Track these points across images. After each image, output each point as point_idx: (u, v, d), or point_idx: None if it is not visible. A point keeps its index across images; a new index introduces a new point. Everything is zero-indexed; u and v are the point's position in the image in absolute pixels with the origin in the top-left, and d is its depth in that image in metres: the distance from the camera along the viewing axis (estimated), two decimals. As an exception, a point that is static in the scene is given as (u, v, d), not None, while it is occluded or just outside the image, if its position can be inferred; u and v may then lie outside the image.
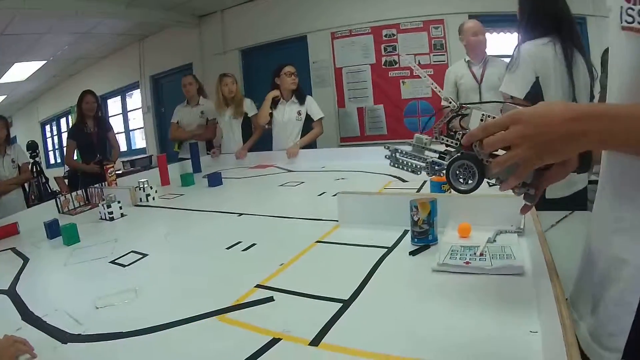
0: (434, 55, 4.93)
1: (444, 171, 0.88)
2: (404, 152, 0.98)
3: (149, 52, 7.31)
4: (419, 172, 0.97)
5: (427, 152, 0.95)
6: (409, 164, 0.98)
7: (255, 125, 3.96)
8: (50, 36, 5.95)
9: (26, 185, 4.55)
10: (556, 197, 2.15)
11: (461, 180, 0.85)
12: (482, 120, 0.81)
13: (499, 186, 0.81)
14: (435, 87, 0.92)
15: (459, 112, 0.87)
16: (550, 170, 0.81)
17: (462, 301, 1.04)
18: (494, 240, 1.33)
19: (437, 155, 0.93)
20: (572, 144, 0.68)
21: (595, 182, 2.60)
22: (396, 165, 1.00)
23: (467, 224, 1.41)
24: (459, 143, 0.85)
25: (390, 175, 2.48)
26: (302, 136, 3.75)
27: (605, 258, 0.79)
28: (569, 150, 0.71)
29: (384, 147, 1.01)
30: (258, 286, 1.22)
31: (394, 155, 0.99)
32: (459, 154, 0.85)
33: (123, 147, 7.39)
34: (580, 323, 0.85)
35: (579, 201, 2.26)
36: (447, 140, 0.87)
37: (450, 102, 0.87)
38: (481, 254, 1.23)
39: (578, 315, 0.87)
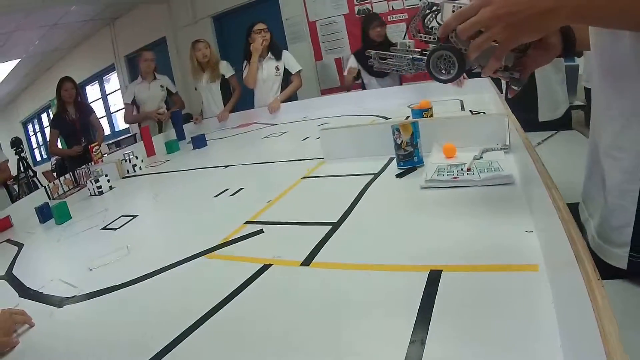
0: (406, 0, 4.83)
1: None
2: (386, 54, 0.99)
3: (120, 33, 7.18)
4: (401, 69, 0.97)
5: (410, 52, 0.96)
6: (392, 63, 0.98)
7: (234, 86, 3.89)
8: (20, 33, 5.79)
9: (16, 186, 4.47)
10: (547, 119, 2.17)
11: (443, 71, 0.85)
12: (453, 11, 0.80)
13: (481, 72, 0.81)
14: None
15: (432, 9, 0.86)
16: (532, 53, 0.80)
17: (454, 211, 1.04)
18: (481, 157, 1.32)
19: (419, 52, 0.93)
20: (546, 20, 0.65)
21: (578, 107, 2.65)
22: (380, 67, 1.00)
23: (451, 144, 1.40)
24: (436, 37, 0.85)
25: (372, 115, 2.45)
26: (282, 91, 3.71)
27: (603, 151, 0.78)
28: (545, 27, 0.69)
29: (366, 53, 1.03)
30: (247, 222, 1.21)
31: (377, 57, 1.00)
32: (436, 46, 0.85)
33: (107, 131, 7.29)
34: (589, 223, 0.85)
35: (565, 123, 2.30)
36: (425, 37, 0.88)
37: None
38: (468, 169, 1.22)
39: (589, 214, 0.87)
